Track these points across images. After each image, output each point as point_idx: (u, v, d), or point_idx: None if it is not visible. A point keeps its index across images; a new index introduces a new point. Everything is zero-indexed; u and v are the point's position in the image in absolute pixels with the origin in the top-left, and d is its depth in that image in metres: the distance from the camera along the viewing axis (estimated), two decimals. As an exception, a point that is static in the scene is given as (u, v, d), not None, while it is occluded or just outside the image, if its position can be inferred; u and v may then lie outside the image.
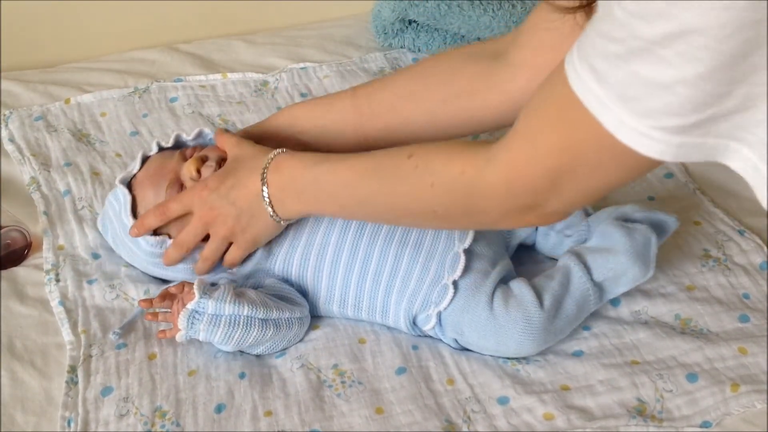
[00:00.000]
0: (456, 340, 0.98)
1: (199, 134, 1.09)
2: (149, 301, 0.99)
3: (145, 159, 1.07)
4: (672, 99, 0.60)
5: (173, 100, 1.39)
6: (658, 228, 1.03)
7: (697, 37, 0.57)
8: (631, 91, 0.62)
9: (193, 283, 0.96)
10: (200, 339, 0.95)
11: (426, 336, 1.00)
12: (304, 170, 0.93)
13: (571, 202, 0.78)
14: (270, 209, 0.95)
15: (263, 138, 1.06)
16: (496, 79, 0.97)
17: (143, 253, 1.03)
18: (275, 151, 0.95)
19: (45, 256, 1.10)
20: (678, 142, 0.63)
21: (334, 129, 1.05)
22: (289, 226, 1.01)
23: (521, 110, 0.76)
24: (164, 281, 1.06)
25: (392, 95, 1.03)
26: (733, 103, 0.60)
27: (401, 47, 1.52)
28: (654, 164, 0.67)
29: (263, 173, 0.94)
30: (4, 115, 1.34)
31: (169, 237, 1.02)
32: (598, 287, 0.99)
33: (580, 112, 0.65)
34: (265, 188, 0.94)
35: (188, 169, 1.01)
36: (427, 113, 1.00)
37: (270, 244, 1.02)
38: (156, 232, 1.02)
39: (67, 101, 1.37)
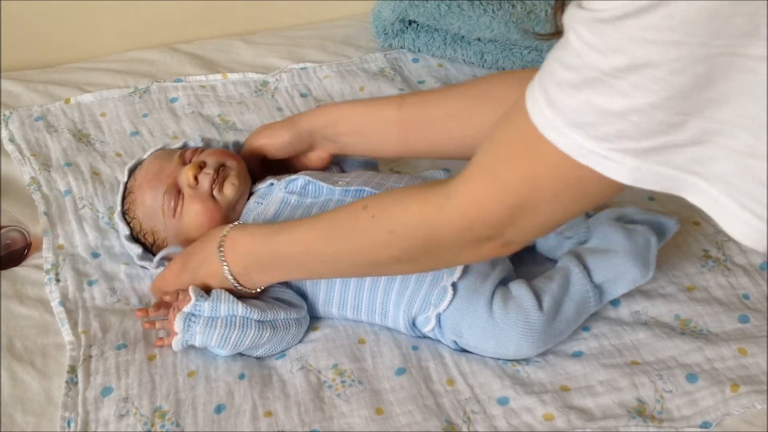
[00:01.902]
0: (455, 342, 0.98)
1: (184, 146, 1.10)
2: (145, 311, 1.00)
3: (131, 171, 1.10)
4: (626, 125, 0.62)
5: (173, 100, 1.39)
6: (658, 230, 1.03)
7: (651, 70, 0.58)
8: (584, 118, 0.63)
9: (186, 290, 0.96)
10: (197, 344, 0.95)
11: (425, 337, 1.00)
12: (261, 244, 0.93)
13: (529, 233, 0.78)
14: (237, 285, 0.95)
15: (298, 138, 1.07)
16: None
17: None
18: (226, 228, 0.95)
19: (45, 255, 1.10)
20: (634, 165, 0.63)
21: (375, 137, 1.05)
22: None
23: (481, 143, 0.75)
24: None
25: (442, 113, 1.01)
26: (688, 135, 0.61)
27: (401, 47, 1.52)
28: (613, 190, 0.67)
29: (220, 253, 0.94)
30: (4, 115, 1.34)
31: (151, 248, 1.06)
32: (598, 289, 0.99)
33: (540, 143, 0.66)
34: (226, 267, 0.94)
35: (186, 176, 1.02)
36: (477, 134, 0.98)
37: None
38: (146, 249, 1.07)
39: (67, 101, 1.37)
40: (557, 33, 0.70)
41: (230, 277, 0.95)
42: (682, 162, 0.63)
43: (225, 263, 0.94)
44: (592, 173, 0.65)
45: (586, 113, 0.63)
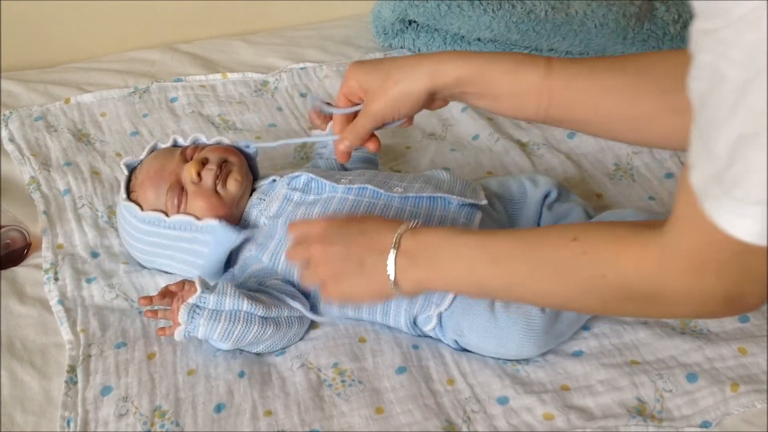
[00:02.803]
0: (456, 341, 0.98)
1: (174, 144, 1.11)
2: (149, 299, 0.99)
3: (131, 169, 1.09)
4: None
5: (173, 100, 1.39)
6: None
7: None
8: (729, 161, 0.57)
9: (193, 281, 0.96)
10: (199, 336, 0.94)
11: (426, 336, 1.00)
12: (445, 238, 0.84)
13: (763, 284, 0.67)
14: (392, 273, 0.85)
15: (429, 101, 0.92)
16: None
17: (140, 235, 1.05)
18: (414, 221, 0.87)
19: (44, 255, 1.10)
20: None
21: (510, 102, 0.90)
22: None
23: (678, 189, 0.67)
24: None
25: (596, 90, 0.87)
26: None
27: (401, 47, 1.52)
28: None
29: (398, 236, 0.85)
30: (4, 115, 1.34)
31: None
32: None
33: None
34: (393, 252, 0.84)
35: (189, 172, 1.03)
36: (630, 121, 0.87)
37: (271, 243, 1.02)
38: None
39: (67, 101, 1.38)
40: None
41: (393, 262, 0.84)
42: None
43: (397, 246, 0.84)
44: None
45: (731, 152, 0.57)
